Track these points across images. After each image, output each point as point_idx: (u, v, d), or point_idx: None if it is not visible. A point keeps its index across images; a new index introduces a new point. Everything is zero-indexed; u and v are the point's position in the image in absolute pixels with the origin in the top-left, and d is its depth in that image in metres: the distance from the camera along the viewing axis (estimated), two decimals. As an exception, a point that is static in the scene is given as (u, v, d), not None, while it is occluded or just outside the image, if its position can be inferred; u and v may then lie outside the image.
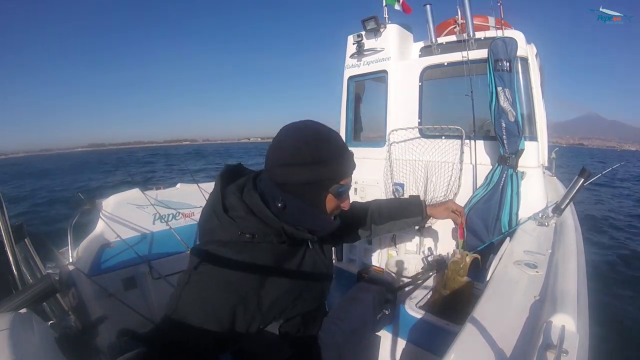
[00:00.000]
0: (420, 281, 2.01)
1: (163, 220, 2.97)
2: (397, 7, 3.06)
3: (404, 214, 1.69)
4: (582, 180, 1.86)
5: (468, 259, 1.78)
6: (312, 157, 0.99)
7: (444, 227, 2.60)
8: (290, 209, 1.04)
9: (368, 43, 3.10)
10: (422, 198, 2.70)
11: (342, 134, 3.37)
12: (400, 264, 2.47)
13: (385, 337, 1.67)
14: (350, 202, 1.20)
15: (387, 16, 3.08)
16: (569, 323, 0.92)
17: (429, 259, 2.23)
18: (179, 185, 3.32)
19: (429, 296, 1.90)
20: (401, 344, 1.65)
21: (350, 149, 3.08)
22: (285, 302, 1.07)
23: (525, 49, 2.45)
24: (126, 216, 2.89)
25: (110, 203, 2.87)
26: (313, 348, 1.28)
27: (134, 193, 2.99)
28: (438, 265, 2.09)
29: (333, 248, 3.19)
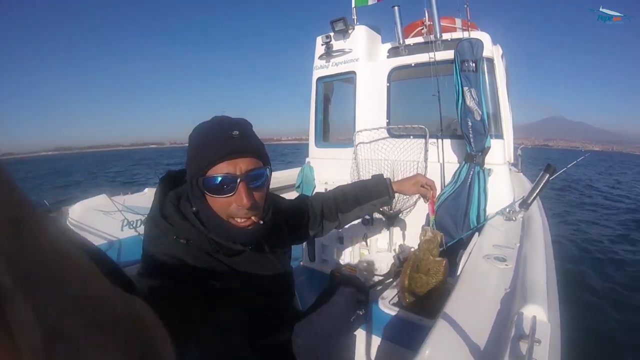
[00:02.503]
0: (392, 279, 2.01)
1: (131, 227, 2.90)
2: (370, 1, 3.09)
3: (371, 197, 1.60)
4: (548, 175, 1.91)
5: (439, 238, 1.74)
6: (187, 158, 0.97)
7: (414, 224, 2.62)
8: (201, 214, 0.98)
9: (337, 44, 3.10)
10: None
11: (312, 135, 3.36)
12: (372, 262, 2.47)
13: (360, 336, 1.66)
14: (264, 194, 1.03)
15: (355, 17, 3.10)
16: (539, 313, 0.93)
17: (401, 256, 2.24)
18: (146, 190, 3.27)
19: (401, 293, 1.90)
20: (377, 341, 1.65)
21: (318, 149, 3.03)
22: (234, 314, 0.95)
23: (491, 50, 2.52)
24: (93, 223, 2.81)
25: (77, 210, 2.79)
26: (288, 355, 1.24)
27: (101, 199, 2.91)
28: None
29: (306, 248, 3.20)
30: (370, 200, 1.60)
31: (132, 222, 2.96)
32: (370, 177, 2.77)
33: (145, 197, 3.15)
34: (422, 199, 1.74)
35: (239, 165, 0.94)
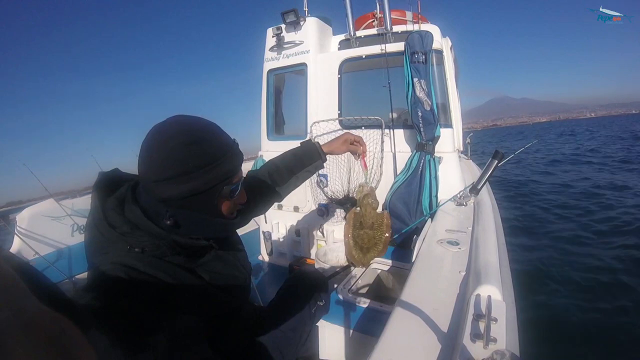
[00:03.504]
0: (350, 268, 2.04)
1: (82, 231, 2.78)
2: None
3: (304, 164, 1.57)
4: (496, 162, 2.00)
5: (375, 192, 1.77)
6: (191, 165, 0.86)
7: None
8: (183, 224, 0.92)
9: (288, 36, 3.08)
10: (345, 188, 2.75)
11: (263, 129, 3.32)
12: (330, 252, 2.49)
13: (323, 326, 1.66)
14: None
15: (307, 9, 3.09)
16: (494, 293, 0.96)
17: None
18: None
19: (360, 282, 1.93)
20: (339, 330, 1.65)
21: (270, 142, 3.00)
22: (194, 318, 0.91)
23: (441, 42, 2.61)
24: (43, 230, 2.70)
25: (25, 217, 2.67)
26: (252, 353, 1.22)
27: (49, 204, 2.80)
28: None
29: (263, 242, 3.17)
30: (303, 167, 1.57)
31: (82, 227, 2.87)
32: (326, 169, 2.82)
33: None
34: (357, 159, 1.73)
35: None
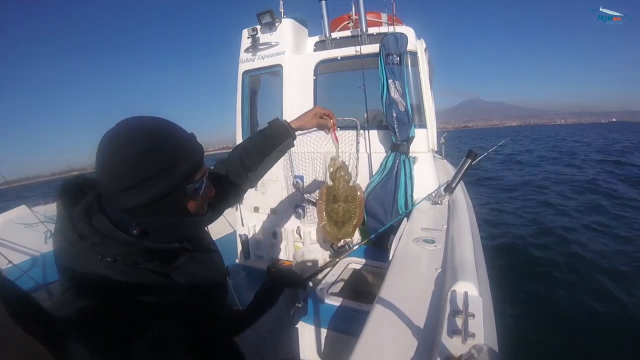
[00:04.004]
0: (328, 268, 2.04)
1: None
2: None
3: (275, 143, 1.50)
4: (470, 160, 2.04)
5: (346, 165, 1.76)
6: (147, 172, 0.82)
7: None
8: (151, 231, 0.89)
9: (263, 37, 3.05)
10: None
11: (238, 130, 3.29)
12: (307, 254, 2.49)
13: (303, 328, 1.64)
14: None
15: (282, 10, 3.07)
16: (471, 289, 0.98)
17: (334, 246, 2.28)
18: None
19: (338, 282, 1.94)
20: (319, 332, 1.65)
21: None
22: (172, 324, 0.90)
23: (415, 43, 2.65)
24: (15, 238, 2.65)
25: None
26: (231, 355, 1.21)
27: (21, 211, 2.76)
28: (341, 252, 2.14)
29: (240, 245, 3.13)
30: (275, 147, 1.51)
31: None
32: (302, 170, 2.82)
33: None
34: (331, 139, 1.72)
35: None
